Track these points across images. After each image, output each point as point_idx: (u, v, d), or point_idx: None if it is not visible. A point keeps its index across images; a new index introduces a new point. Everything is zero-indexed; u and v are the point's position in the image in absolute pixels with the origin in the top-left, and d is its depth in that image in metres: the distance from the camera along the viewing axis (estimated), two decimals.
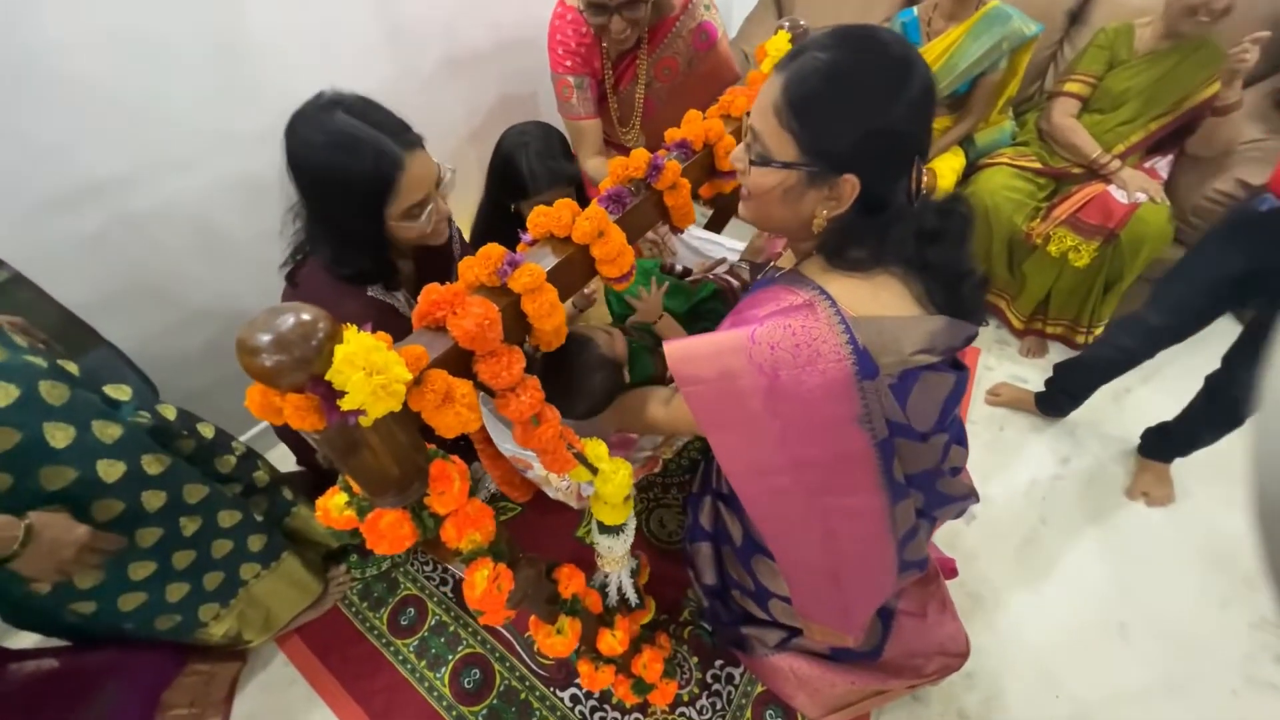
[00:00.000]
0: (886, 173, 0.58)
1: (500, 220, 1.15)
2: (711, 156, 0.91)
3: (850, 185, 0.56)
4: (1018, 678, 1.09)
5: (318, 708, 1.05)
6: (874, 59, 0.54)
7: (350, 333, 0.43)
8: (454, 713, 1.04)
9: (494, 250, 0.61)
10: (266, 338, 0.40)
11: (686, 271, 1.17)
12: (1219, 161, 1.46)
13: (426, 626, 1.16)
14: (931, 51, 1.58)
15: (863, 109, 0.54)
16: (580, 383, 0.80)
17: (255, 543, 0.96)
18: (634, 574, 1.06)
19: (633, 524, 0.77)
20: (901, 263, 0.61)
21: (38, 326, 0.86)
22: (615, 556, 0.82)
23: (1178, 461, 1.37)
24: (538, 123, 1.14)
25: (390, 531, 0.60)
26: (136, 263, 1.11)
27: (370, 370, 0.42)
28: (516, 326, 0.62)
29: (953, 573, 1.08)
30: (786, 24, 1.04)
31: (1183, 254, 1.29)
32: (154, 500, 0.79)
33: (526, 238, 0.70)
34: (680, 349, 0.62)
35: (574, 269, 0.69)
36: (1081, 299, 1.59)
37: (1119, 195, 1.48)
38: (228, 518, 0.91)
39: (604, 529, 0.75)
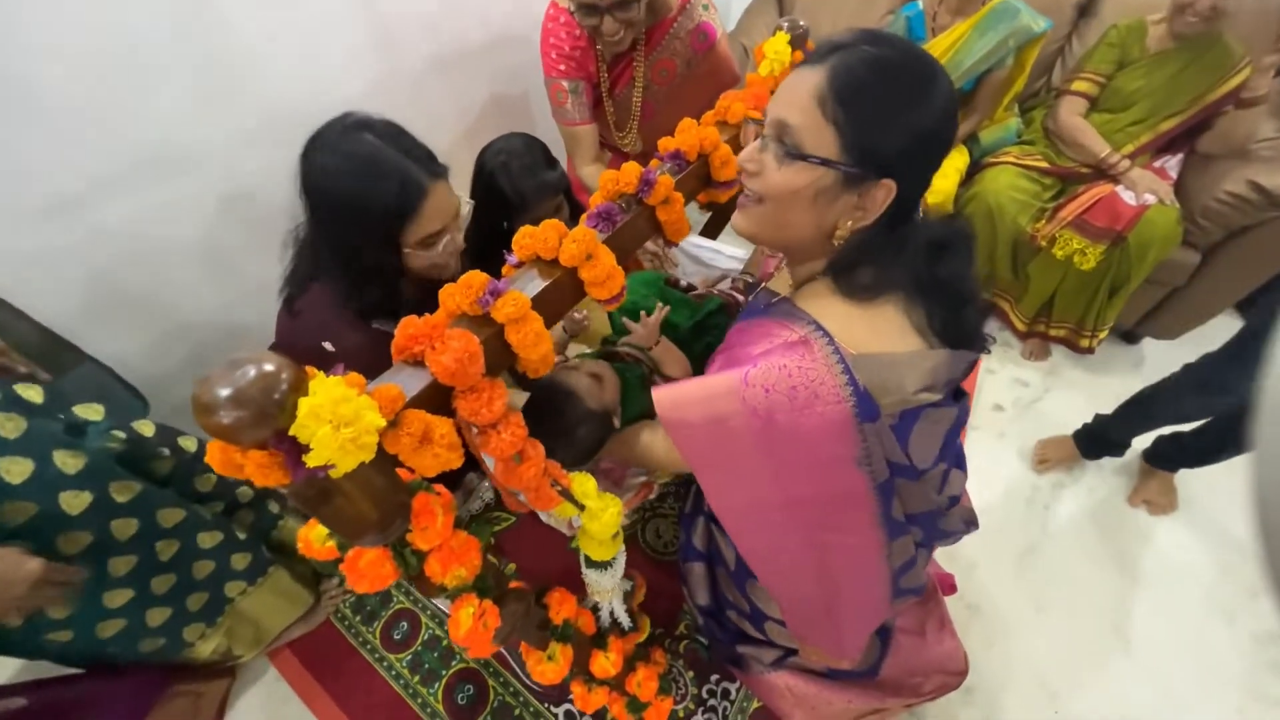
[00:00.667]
0: (922, 181, 0.56)
1: (492, 238, 1.11)
2: (707, 166, 0.87)
3: (886, 191, 0.53)
4: (1016, 693, 1.08)
5: None
6: (915, 61, 0.52)
7: (317, 382, 0.41)
8: None
9: (475, 278, 0.58)
10: (224, 392, 0.37)
11: (691, 286, 1.13)
12: (1231, 161, 1.42)
13: (420, 641, 1.15)
14: (936, 47, 1.53)
15: (914, 109, 0.51)
16: (565, 438, 0.76)
17: (239, 561, 0.94)
18: (628, 597, 1.05)
19: (622, 558, 0.75)
20: (904, 287, 0.59)
21: (17, 348, 0.83)
22: (603, 589, 0.80)
23: (1182, 471, 1.35)
24: (516, 136, 1.09)
25: (370, 571, 0.58)
26: (116, 274, 1.08)
27: (338, 423, 0.40)
28: (500, 357, 0.60)
29: (951, 589, 1.07)
30: (785, 25, 1.01)
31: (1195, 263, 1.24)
32: (125, 529, 0.77)
33: (512, 259, 0.68)
34: (669, 396, 0.59)
35: (562, 292, 0.66)
36: (1086, 302, 1.56)
37: (1127, 196, 1.45)
38: (208, 539, 0.89)
39: (591, 563, 0.74)
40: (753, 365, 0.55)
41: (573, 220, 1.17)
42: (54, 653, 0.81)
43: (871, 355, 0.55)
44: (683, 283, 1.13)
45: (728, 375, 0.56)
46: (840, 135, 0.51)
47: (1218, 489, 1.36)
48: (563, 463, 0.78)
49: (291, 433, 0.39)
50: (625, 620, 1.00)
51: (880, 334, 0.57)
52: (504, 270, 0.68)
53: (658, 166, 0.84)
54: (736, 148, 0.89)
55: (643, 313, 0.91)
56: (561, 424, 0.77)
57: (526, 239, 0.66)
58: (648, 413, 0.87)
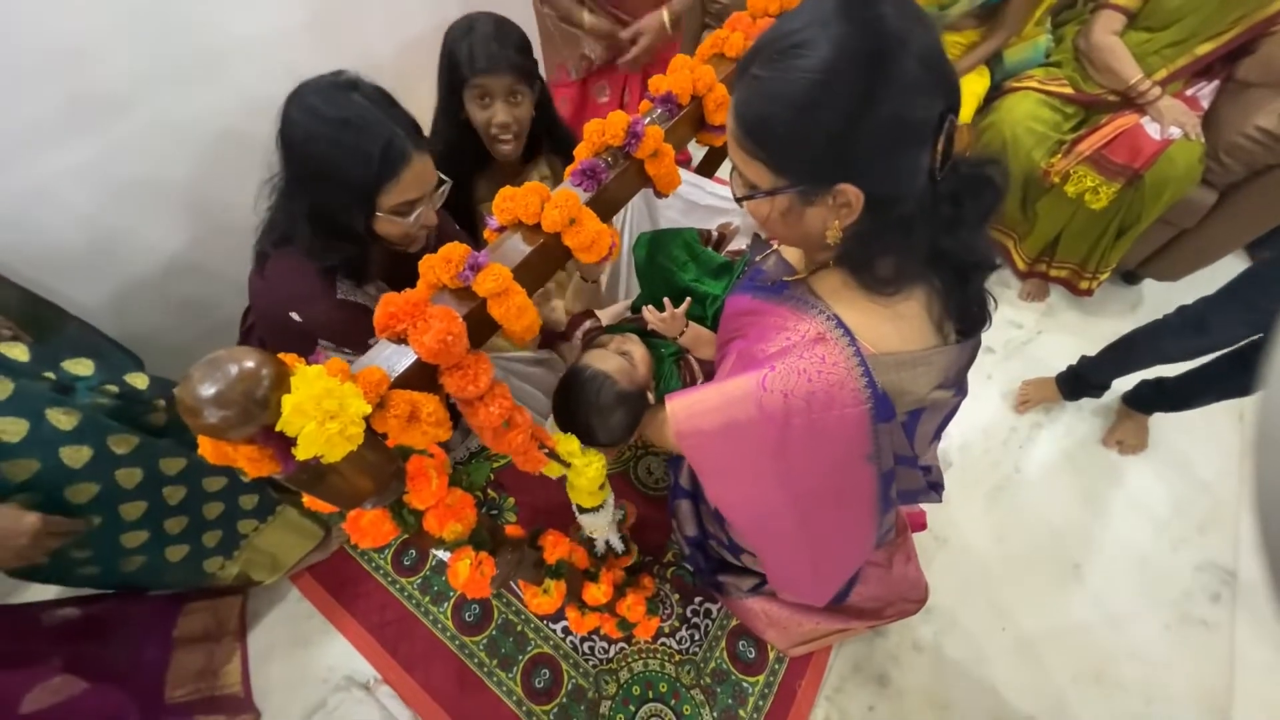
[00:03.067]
0: (889, 167, 0.49)
1: (456, 134, 1.04)
2: (700, 109, 0.81)
3: (849, 192, 0.49)
4: (970, 612, 1.20)
5: (334, 638, 1.16)
6: (802, 73, 0.45)
7: (299, 377, 0.41)
8: (457, 643, 1.16)
9: (456, 250, 0.56)
10: (208, 393, 0.38)
11: (720, 237, 1.09)
12: (1268, 91, 1.32)
13: (428, 566, 1.25)
14: None
15: (817, 119, 0.46)
16: (600, 422, 0.78)
17: (247, 501, 1.00)
18: (620, 524, 1.12)
19: (611, 501, 0.80)
20: (924, 274, 0.56)
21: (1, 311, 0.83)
22: (598, 527, 0.86)
23: (1164, 416, 1.39)
24: (489, 12, 0.99)
25: (371, 529, 0.62)
26: (86, 220, 1.04)
27: (323, 417, 0.41)
28: (484, 331, 0.60)
29: (922, 526, 1.14)
30: None
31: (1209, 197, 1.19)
32: (130, 478, 0.81)
33: (493, 223, 0.65)
34: (685, 406, 0.59)
35: (547, 258, 0.65)
36: (1092, 242, 1.52)
37: (1151, 129, 1.36)
38: (213, 483, 0.93)
39: (582, 510, 0.78)
40: (770, 369, 0.54)
41: (547, 141, 1.11)
42: (87, 582, 0.89)
43: (891, 354, 0.54)
44: (714, 235, 1.09)
45: (744, 380, 0.56)
46: (768, 165, 0.51)
47: (1192, 432, 1.41)
48: (600, 445, 0.80)
49: (278, 429, 0.40)
50: (619, 545, 1.09)
51: (902, 333, 0.55)
52: (485, 235, 0.66)
53: (647, 112, 0.78)
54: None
55: (667, 301, 0.89)
56: (596, 407, 0.78)
57: (507, 202, 0.63)
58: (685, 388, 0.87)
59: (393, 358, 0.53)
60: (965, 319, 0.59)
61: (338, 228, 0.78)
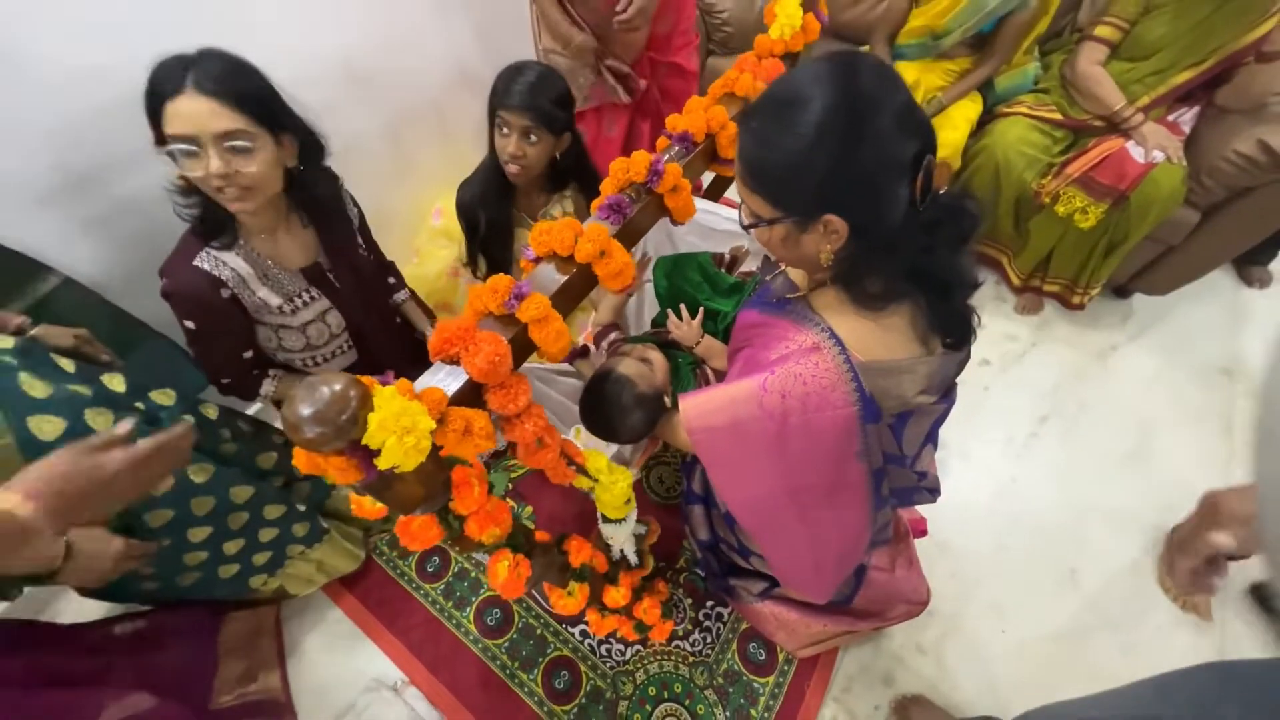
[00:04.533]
0: (869, 201, 0.57)
1: (492, 155, 1.13)
2: (714, 144, 0.89)
3: (836, 223, 0.57)
4: (972, 615, 1.25)
5: (363, 642, 1.21)
6: (794, 125, 0.54)
7: (380, 398, 0.48)
8: (480, 646, 1.21)
9: (502, 281, 0.63)
10: (306, 412, 0.44)
11: (732, 259, 1.17)
12: (1244, 118, 1.40)
13: (450, 573, 1.30)
14: None
15: (806, 162, 0.55)
16: (620, 421, 0.85)
17: (299, 529, 1.07)
18: (641, 540, 1.18)
19: (634, 515, 0.86)
20: (910, 291, 0.63)
21: (89, 329, 0.89)
22: (619, 538, 0.92)
23: (1156, 423, 1.44)
24: (542, 64, 1.09)
25: (420, 533, 0.68)
26: (145, 240, 1.11)
27: (401, 432, 0.47)
28: (524, 352, 0.66)
29: (922, 532, 1.19)
30: None
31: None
32: (203, 505, 0.88)
33: (530, 254, 0.72)
34: (695, 405, 0.66)
35: (579, 286, 0.72)
36: (1082, 259, 1.59)
37: (1136, 153, 1.44)
38: (273, 510, 1.00)
39: (607, 520, 0.84)
40: (770, 372, 0.62)
41: (575, 178, 1.19)
42: (145, 598, 0.95)
43: (878, 363, 0.61)
44: (727, 258, 1.17)
45: (748, 382, 0.63)
46: (768, 199, 0.60)
47: (1183, 443, 1.47)
48: (621, 441, 0.89)
49: (364, 443, 0.47)
50: (634, 559, 1.14)
51: (888, 344, 0.62)
52: (523, 265, 0.73)
53: (665, 149, 0.86)
54: None
55: (684, 310, 0.96)
56: (618, 409, 0.86)
57: (544, 235, 0.70)
58: None
59: (447, 379, 0.60)
60: (951, 333, 0.66)
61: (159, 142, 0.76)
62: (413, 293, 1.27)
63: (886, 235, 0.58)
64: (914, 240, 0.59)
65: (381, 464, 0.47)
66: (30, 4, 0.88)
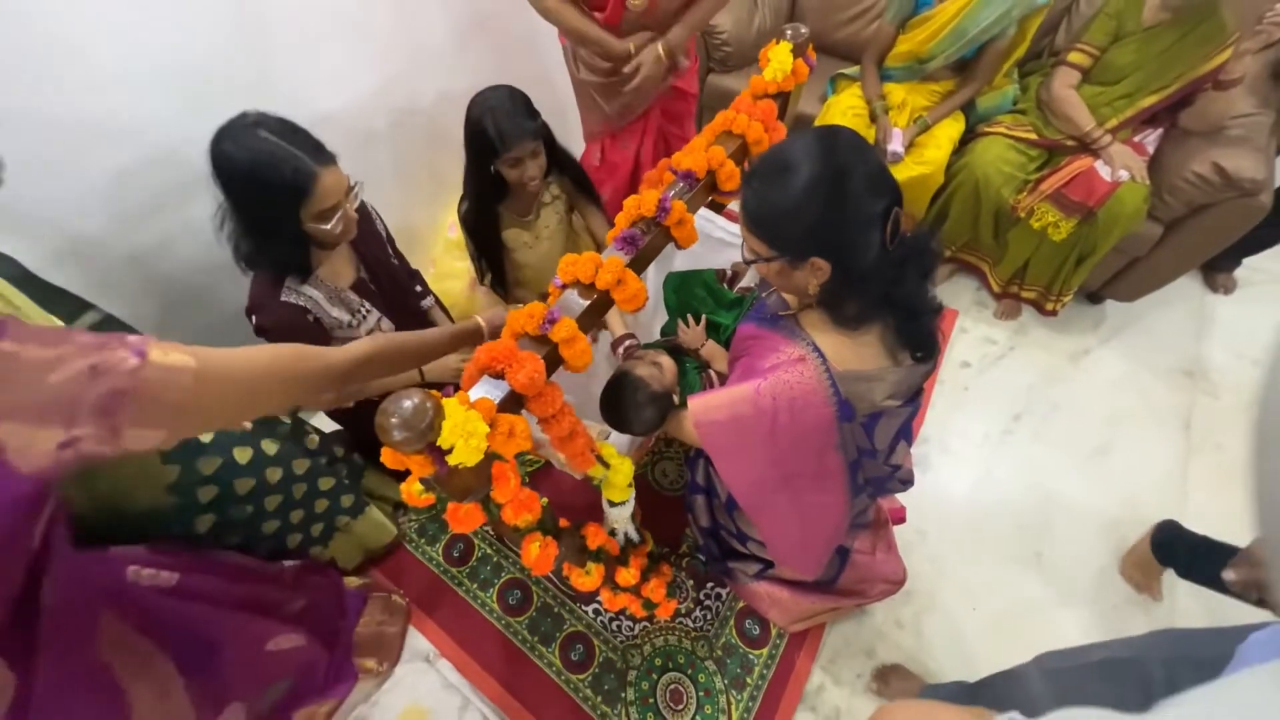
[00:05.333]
0: (848, 247, 0.70)
1: (482, 179, 1.26)
2: (714, 179, 1.01)
3: (820, 263, 0.70)
4: (946, 594, 1.38)
5: None
6: (798, 180, 0.67)
7: (449, 408, 0.60)
8: (503, 623, 1.34)
9: (537, 308, 0.76)
10: (395, 421, 0.57)
11: (734, 275, 1.30)
12: (1202, 140, 1.51)
13: (475, 558, 1.43)
14: (942, 14, 1.57)
15: (796, 216, 0.68)
16: (635, 415, 0.98)
17: (346, 500, 1.20)
18: (633, 519, 1.31)
19: (632, 499, 1.00)
20: (882, 314, 0.76)
21: None
22: (621, 518, 1.05)
23: (1120, 421, 1.56)
24: (501, 87, 1.20)
25: (467, 517, 0.81)
26: (178, 279, 1.24)
27: (466, 436, 0.60)
28: (554, 366, 0.79)
29: (901, 520, 1.32)
30: (789, 33, 1.09)
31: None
32: (274, 474, 1.02)
33: (558, 282, 0.84)
34: (702, 403, 0.80)
35: (599, 308, 0.84)
36: (1056, 269, 1.71)
37: (1104, 171, 1.55)
38: (325, 482, 1.14)
39: (611, 504, 0.98)
40: (764, 379, 0.75)
41: (554, 165, 1.31)
42: (234, 548, 1.08)
43: (853, 372, 0.74)
44: (729, 273, 1.29)
45: (745, 386, 0.76)
46: (766, 242, 0.73)
47: (1143, 439, 1.59)
48: (635, 433, 1.03)
49: (438, 444, 0.59)
50: (634, 534, 1.28)
51: (862, 357, 0.75)
52: (550, 291, 0.85)
53: (670, 185, 0.98)
54: (738, 163, 1.02)
55: (690, 318, 1.11)
56: (633, 405, 0.99)
57: (570, 266, 0.82)
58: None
59: (494, 390, 0.72)
60: (918, 348, 0.78)
61: (270, 234, 0.95)
62: (436, 298, 1.40)
63: (861, 271, 0.72)
64: (885, 274, 0.72)
65: (453, 461, 0.60)
66: (91, 61, 1.00)
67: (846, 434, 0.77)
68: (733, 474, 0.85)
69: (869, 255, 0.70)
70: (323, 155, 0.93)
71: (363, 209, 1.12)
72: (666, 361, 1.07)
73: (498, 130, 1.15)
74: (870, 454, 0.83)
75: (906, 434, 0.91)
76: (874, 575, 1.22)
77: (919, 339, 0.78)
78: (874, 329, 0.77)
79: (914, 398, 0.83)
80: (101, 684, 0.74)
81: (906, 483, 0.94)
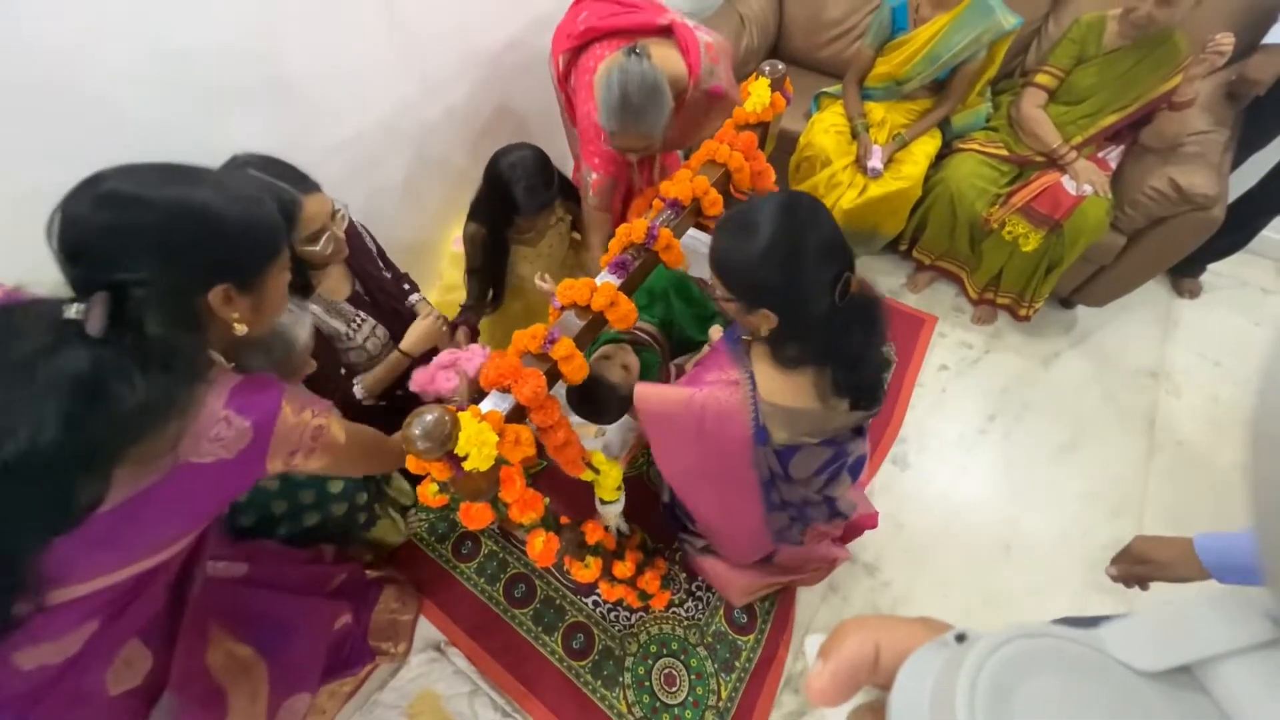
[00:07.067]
0: (791, 306, 0.79)
1: (498, 221, 1.38)
2: (699, 206, 1.10)
3: (768, 314, 0.80)
4: (922, 584, 1.48)
5: None
6: (756, 243, 0.76)
7: (465, 420, 0.70)
8: (509, 614, 1.44)
9: (540, 329, 0.85)
10: (419, 432, 0.67)
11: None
12: (1160, 157, 1.61)
13: (482, 554, 1.53)
14: (917, 39, 1.67)
15: (749, 276, 0.79)
16: (605, 408, 1.12)
17: (373, 509, 1.31)
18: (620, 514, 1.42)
19: (622, 498, 1.10)
20: (820, 359, 0.84)
21: None
22: (612, 515, 1.16)
23: (1087, 421, 1.67)
24: (526, 148, 1.31)
25: (479, 515, 0.91)
26: None
27: (479, 445, 0.70)
28: (554, 381, 0.89)
29: (873, 525, 1.38)
30: (766, 70, 1.19)
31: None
32: (306, 496, 1.14)
33: (556, 303, 0.94)
34: (645, 393, 0.90)
35: (593, 327, 0.94)
36: (1028, 277, 1.81)
37: (1069, 186, 1.65)
38: (360, 496, 1.25)
39: (603, 503, 1.08)
40: (700, 389, 0.86)
41: (560, 193, 1.42)
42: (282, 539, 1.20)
43: (777, 406, 0.84)
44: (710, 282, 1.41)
45: (683, 390, 0.87)
46: (726, 287, 0.83)
47: (1107, 438, 1.70)
48: (603, 423, 1.19)
49: (456, 452, 0.69)
50: (624, 527, 1.38)
51: (789, 393, 0.84)
52: (550, 312, 0.95)
53: (660, 212, 1.08)
54: (723, 192, 1.12)
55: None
56: (604, 401, 1.12)
57: (567, 290, 0.92)
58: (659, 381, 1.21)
59: (501, 403, 0.82)
60: (856, 398, 0.87)
61: None
62: (422, 296, 1.48)
63: (806, 325, 0.81)
64: (830, 329, 0.81)
65: (468, 466, 0.70)
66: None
67: (760, 456, 0.89)
68: (663, 457, 0.97)
69: (816, 313, 0.78)
70: (307, 183, 1.01)
71: (351, 228, 1.21)
72: (634, 363, 1.21)
73: (521, 200, 1.29)
74: (786, 479, 0.93)
75: (855, 470, 0.99)
76: (808, 559, 1.29)
77: (856, 389, 0.87)
78: (809, 372, 0.85)
79: (838, 441, 0.91)
80: (212, 688, 0.86)
81: (842, 515, 1.05)
